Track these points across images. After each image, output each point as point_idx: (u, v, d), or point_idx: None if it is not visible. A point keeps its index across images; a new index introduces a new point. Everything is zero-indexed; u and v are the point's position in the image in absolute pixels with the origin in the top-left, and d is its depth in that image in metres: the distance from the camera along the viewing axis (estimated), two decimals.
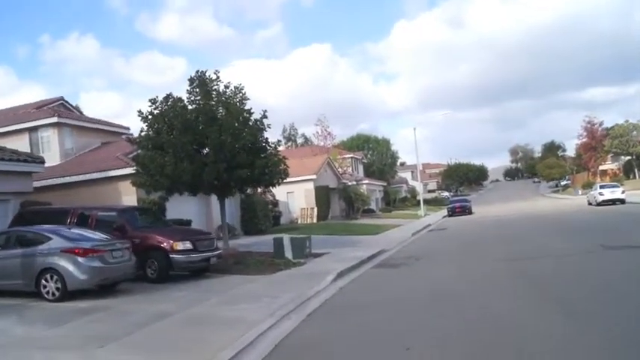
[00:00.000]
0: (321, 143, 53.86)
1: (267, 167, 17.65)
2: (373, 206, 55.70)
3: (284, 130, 74.24)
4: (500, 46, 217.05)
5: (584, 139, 76.56)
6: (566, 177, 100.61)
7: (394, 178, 77.57)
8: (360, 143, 68.42)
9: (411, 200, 69.47)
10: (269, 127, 18.25)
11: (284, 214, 38.27)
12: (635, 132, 72.84)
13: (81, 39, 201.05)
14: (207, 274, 14.71)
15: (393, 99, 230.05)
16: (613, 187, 38.78)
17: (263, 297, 10.82)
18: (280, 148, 19.15)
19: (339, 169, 50.37)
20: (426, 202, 71.92)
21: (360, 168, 62.48)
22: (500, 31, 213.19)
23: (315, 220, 37.49)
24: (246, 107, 17.62)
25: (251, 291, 11.81)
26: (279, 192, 36.74)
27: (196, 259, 14.13)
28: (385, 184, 65.73)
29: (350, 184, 48.52)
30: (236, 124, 16.62)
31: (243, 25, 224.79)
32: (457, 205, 47.77)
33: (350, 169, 55.00)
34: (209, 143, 16.26)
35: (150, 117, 16.65)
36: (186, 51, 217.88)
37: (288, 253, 16.24)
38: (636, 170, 72.27)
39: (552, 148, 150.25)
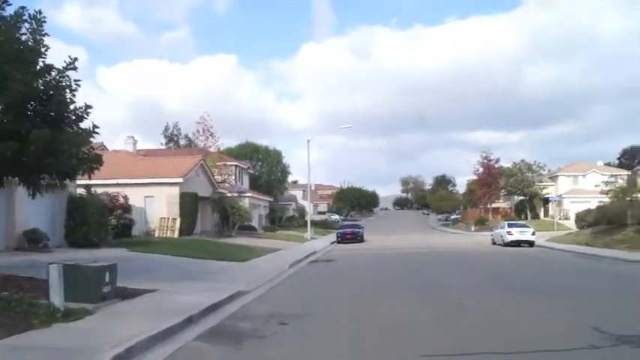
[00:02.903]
0: (202, 144, 46.60)
1: (60, 144, 10.82)
2: (255, 223, 49.03)
3: (166, 129, 65.93)
4: (400, 81, 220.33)
5: (480, 175, 74.34)
6: (457, 211, 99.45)
7: (283, 194, 71.38)
8: (249, 152, 61.55)
9: (298, 220, 63.54)
10: (77, 86, 11.66)
11: (138, 223, 30.67)
12: (529, 173, 71.68)
13: None
14: None
15: (294, 119, 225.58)
16: (522, 226, 34.71)
17: None
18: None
19: (218, 177, 43.34)
20: (315, 224, 66.43)
21: (246, 179, 55.67)
22: (402, 66, 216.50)
23: (176, 235, 30.23)
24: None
25: None
26: (135, 194, 29.38)
27: None
28: (271, 199, 59.29)
29: (229, 194, 41.64)
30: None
31: (148, 24, 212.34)
32: (348, 230, 42.22)
33: (232, 179, 48.09)
34: None
35: None
36: (86, 42, 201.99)
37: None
38: (528, 211, 70.81)
39: (443, 182, 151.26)
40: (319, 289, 13.86)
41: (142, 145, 54.03)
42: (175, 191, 31.07)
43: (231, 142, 63.89)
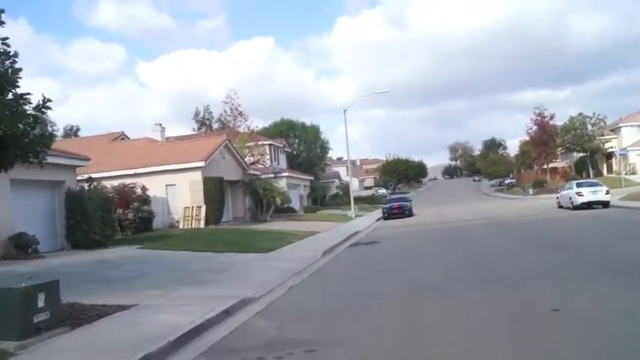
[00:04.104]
0: (231, 125, 43.49)
1: None
2: (295, 204, 45.90)
3: (196, 114, 63.14)
4: (439, 47, 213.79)
5: (534, 134, 68.85)
6: (510, 175, 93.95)
7: (324, 171, 68.02)
8: (284, 130, 58.22)
9: (342, 198, 59.98)
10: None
11: (160, 215, 27.87)
12: (589, 126, 66.00)
13: (12, 24, 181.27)
14: None
15: (334, 95, 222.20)
16: (594, 185, 30.19)
17: None
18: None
19: (250, 158, 40.28)
20: (361, 200, 63.05)
21: (282, 158, 52.53)
22: (440, 31, 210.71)
23: (202, 224, 27.25)
24: None
25: None
26: (156, 184, 26.56)
27: None
28: (312, 178, 55.94)
29: (263, 176, 38.53)
30: None
31: (183, 15, 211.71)
32: (394, 205, 38.40)
33: (267, 159, 44.96)
34: None
35: None
36: (123, 39, 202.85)
37: None
38: (590, 168, 65.25)
39: (493, 146, 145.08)
40: (352, 291, 10.30)
41: (177, 134, 51.61)
42: (198, 176, 28.00)
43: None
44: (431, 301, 8.40)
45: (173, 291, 10.79)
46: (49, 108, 9.65)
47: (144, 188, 26.63)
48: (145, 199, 26.24)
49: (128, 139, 37.39)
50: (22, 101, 8.83)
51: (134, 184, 26.43)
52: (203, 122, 61.31)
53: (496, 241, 17.06)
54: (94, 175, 26.81)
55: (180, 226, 27.44)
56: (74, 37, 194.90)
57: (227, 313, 8.82)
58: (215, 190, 28.14)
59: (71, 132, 61.16)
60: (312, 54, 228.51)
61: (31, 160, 9.78)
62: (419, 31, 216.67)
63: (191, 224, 27.45)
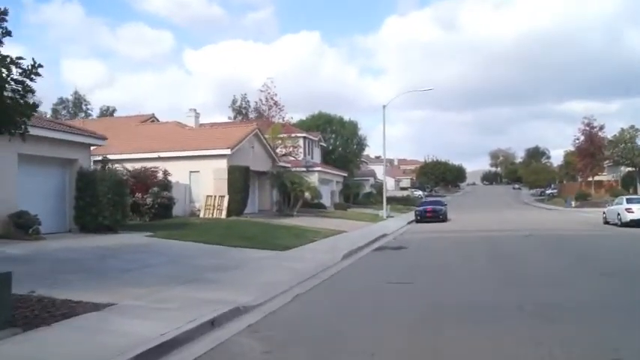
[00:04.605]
0: (265, 114, 42.23)
1: None
2: (326, 200, 44.49)
3: (234, 102, 62.10)
4: (487, 51, 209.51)
5: (581, 144, 65.76)
6: (552, 185, 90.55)
7: (359, 169, 66.32)
8: (321, 124, 56.71)
9: (376, 197, 58.26)
10: None
11: (182, 202, 26.77)
12: None
13: (65, 5, 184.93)
14: None
15: (377, 94, 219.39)
16: None
17: None
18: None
19: (283, 150, 39.00)
20: (396, 200, 61.34)
21: (316, 152, 51.08)
22: (489, 36, 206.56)
23: (223, 215, 26.05)
24: None
25: None
26: (179, 170, 25.51)
27: None
28: (346, 174, 54.36)
29: (294, 169, 37.18)
30: None
31: (233, 6, 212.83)
32: (428, 208, 36.55)
33: (300, 152, 43.63)
34: None
35: None
36: (173, 26, 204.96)
37: None
38: (638, 184, 61.92)
39: (536, 154, 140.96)
40: (365, 309, 8.75)
41: (215, 122, 50.58)
42: (223, 165, 26.79)
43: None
44: (457, 333, 6.81)
45: (163, 290, 9.49)
46: (39, 74, 8.39)
47: (166, 173, 25.56)
48: (166, 185, 25.15)
49: (158, 121, 36.49)
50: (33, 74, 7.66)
51: (156, 168, 25.36)
52: (240, 111, 60.24)
53: (537, 258, 15.24)
54: (117, 157, 26.06)
55: (201, 215, 26.30)
56: (124, 20, 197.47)
57: (212, 324, 7.43)
58: (240, 180, 26.86)
59: (107, 112, 61.03)
60: (358, 51, 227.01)
61: (12, 131, 8.55)
62: (467, 34, 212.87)
63: (212, 214, 26.28)
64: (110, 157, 25.21)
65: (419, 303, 8.92)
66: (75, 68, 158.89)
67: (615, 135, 64.99)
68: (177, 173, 26.56)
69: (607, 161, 66.87)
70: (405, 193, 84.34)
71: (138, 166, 25.19)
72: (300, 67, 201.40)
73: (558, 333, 6.58)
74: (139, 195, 23.58)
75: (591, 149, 63.67)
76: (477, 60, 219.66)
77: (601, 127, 65.21)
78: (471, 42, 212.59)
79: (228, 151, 26.58)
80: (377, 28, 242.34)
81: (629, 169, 64.88)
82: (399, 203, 59.34)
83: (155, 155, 27.12)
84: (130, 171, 24.31)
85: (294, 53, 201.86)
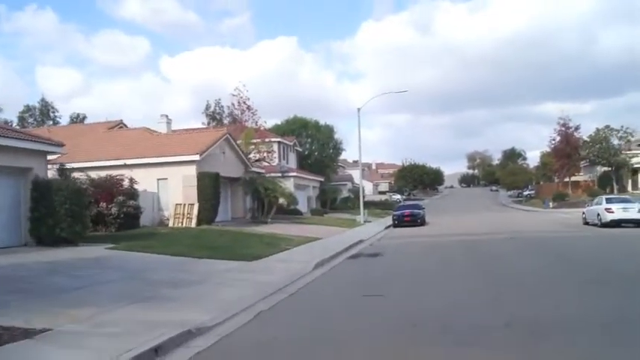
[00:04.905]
0: (238, 119, 41.13)
1: None
2: (303, 206, 43.59)
3: (207, 107, 60.82)
4: (463, 54, 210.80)
5: (557, 144, 65.70)
6: (529, 187, 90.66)
7: (336, 173, 65.52)
8: (296, 128, 55.82)
9: (353, 201, 57.49)
10: None
11: (150, 212, 25.67)
12: (616, 140, 63.00)
13: (38, 12, 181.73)
14: None
15: (355, 98, 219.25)
16: (625, 202, 27.32)
17: None
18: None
19: (257, 155, 38.02)
20: (374, 204, 60.76)
21: (292, 157, 50.22)
22: (464, 39, 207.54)
23: (193, 223, 24.99)
24: None
25: None
26: (147, 177, 24.42)
27: None
28: (322, 179, 53.52)
29: (269, 175, 36.22)
30: None
31: (209, 12, 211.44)
32: (406, 212, 35.82)
33: (275, 157, 42.70)
34: None
35: None
36: (148, 32, 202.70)
37: None
38: (614, 183, 62.03)
39: (512, 156, 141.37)
40: (331, 328, 7.82)
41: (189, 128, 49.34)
42: (192, 171, 25.73)
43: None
44: (434, 356, 5.96)
45: (110, 311, 8.49)
46: None
47: (132, 181, 24.42)
48: (133, 193, 24.01)
49: (127, 128, 35.26)
50: None
51: (122, 175, 24.21)
52: (213, 117, 58.98)
53: (521, 264, 14.49)
54: (82, 165, 24.89)
55: (170, 225, 25.22)
56: (99, 27, 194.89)
57: (156, 352, 6.47)
58: (210, 187, 25.83)
59: (77, 120, 59.39)
60: (335, 56, 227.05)
61: None
62: (443, 38, 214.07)
63: (182, 223, 25.21)
64: (75, 165, 24.19)
65: (393, 317, 8.06)
66: (50, 76, 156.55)
67: (591, 135, 65.17)
68: (145, 181, 25.46)
69: (583, 161, 66.99)
70: (383, 197, 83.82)
71: (103, 174, 24.05)
72: (277, 73, 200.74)
73: (550, 354, 5.75)
74: (103, 205, 22.45)
75: (567, 149, 63.70)
76: (453, 63, 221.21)
77: (577, 128, 65.43)
78: (446, 45, 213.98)
79: (197, 157, 25.52)
80: (353, 32, 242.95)
81: (606, 168, 65.05)
82: (378, 207, 58.66)
83: (121, 162, 25.99)
84: (93, 179, 23.18)
85: (272, 59, 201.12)
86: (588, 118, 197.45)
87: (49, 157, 19.17)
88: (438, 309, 8.66)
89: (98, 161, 25.98)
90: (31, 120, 56.16)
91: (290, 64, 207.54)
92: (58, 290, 10.19)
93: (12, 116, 56.15)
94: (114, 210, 22.54)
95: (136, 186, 24.47)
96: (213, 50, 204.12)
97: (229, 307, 9.02)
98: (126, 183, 24.14)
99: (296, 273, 13.16)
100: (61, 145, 18.56)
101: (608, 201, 27.64)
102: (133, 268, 13.31)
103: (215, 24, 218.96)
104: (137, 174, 25.05)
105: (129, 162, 26.02)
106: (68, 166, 23.10)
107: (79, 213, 17.35)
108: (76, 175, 22.70)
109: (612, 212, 26.08)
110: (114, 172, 24.33)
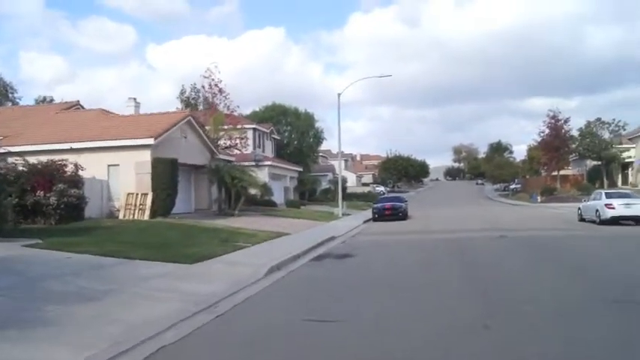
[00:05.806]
0: (210, 101, 38.12)
1: None
2: (279, 197, 40.90)
3: (182, 92, 57.59)
4: (451, 49, 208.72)
5: (546, 137, 63.38)
6: (516, 180, 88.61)
7: (317, 163, 62.84)
8: (275, 115, 52.96)
9: (334, 193, 54.90)
10: None
11: (99, 201, 22.86)
12: (607, 133, 61.03)
13: None
14: None
15: (342, 90, 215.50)
16: (627, 197, 24.95)
17: None
18: None
19: (228, 141, 35.27)
20: (356, 196, 58.30)
21: (269, 145, 47.43)
22: (453, 34, 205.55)
23: (146, 216, 22.23)
24: None
25: None
26: (96, 163, 21.64)
27: None
28: (301, 170, 50.84)
29: (242, 163, 33.48)
30: None
31: (196, 0, 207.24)
32: (387, 205, 33.25)
33: (249, 144, 39.94)
34: None
35: None
36: (135, 20, 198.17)
37: None
38: (604, 178, 60.01)
39: (499, 149, 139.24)
40: None
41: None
42: (146, 157, 22.88)
43: None
44: None
45: None
46: None
47: (77, 166, 21.52)
48: (77, 181, 21.14)
49: (83, 109, 32.25)
50: None
51: (64, 160, 21.31)
52: (188, 102, 55.72)
53: (521, 275, 11.96)
54: (21, 149, 22.11)
55: (121, 217, 22.42)
56: (86, 14, 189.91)
57: None
58: (166, 175, 23.02)
59: (41, 103, 56.00)
60: (323, 47, 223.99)
61: None
62: (432, 32, 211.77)
63: (134, 214, 22.43)
64: (15, 149, 21.36)
65: (353, 354, 5.47)
66: (34, 62, 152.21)
67: (581, 128, 63.16)
68: (95, 167, 22.61)
69: (572, 155, 64.94)
70: (366, 189, 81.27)
71: (44, 158, 21.16)
72: (264, 63, 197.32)
73: None
74: (40, 193, 19.61)
75: (556, 142, 61.46)
76: (441, 57, 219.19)
77: (566, 120, 63.12)
78: (434, 39, 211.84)
79: (151, 141, 22.67)
80: (341, 24, 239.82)
81: (595, 162, 63.08)
82: (360, 199, 56.15)
83: (67, 146, 23.11)
84: (33, 165, 20.34)
85: (259, 49, 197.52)
86: (573, 114, 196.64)
87: None
88: (410, 339, 6.06)
89: (40, 144, 23.11)
90: None
91: (277, 55, 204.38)
92: None
93: None
94: (52, 200, 19.68)
95: (82, 172, 21.55)
96: (200, 39, 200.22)
97: (128, 336, 6.42)
98: (70, 169, 21.25)
99: (241, 281, 10.52)
100: None
101: (609, 196, 25.13)
102: (38, 273, 10.58)
103: (203, 12, 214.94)
104: (86, 159, 22.19)
105: (75, 146, 23.15)
106: (7, 149, 20.30)
107: None
108: (12, 159, 19.92)
109: (613, 208, 23.64)
110: (58, 157, 21.44)
